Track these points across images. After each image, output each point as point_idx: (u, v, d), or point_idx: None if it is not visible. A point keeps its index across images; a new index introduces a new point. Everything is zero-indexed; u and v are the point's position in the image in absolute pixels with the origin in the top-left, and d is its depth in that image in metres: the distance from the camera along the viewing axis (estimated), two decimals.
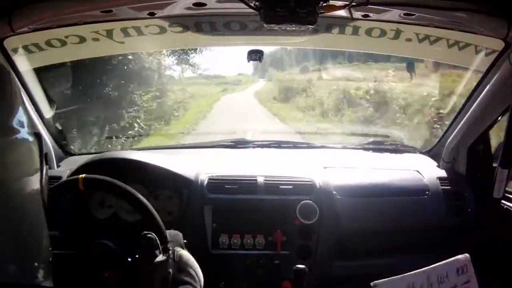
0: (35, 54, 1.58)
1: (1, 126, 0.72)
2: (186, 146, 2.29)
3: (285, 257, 1.61)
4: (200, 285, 1.12)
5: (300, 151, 2.13)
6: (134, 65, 5.14)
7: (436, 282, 1.16)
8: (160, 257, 1.06)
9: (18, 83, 0.76)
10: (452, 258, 1.19)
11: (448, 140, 1.84)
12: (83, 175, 1.18)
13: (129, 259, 1.18)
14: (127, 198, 1.17)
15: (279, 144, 2.14)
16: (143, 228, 1.14)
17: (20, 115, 0.77)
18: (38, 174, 0.80)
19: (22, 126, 0.77)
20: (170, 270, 1.05)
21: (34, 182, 0.78)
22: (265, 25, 1.17)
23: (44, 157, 0.83)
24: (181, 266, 1.09)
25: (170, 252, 1.08)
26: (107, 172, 1.23)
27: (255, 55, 1.64)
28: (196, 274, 1.11)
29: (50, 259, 0.83)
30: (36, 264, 0.78)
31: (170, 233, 1.15)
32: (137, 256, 1.14)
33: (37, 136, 0.81)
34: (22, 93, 1.17)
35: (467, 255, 1.19)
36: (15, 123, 0.75)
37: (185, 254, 1.13)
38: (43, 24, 1.34)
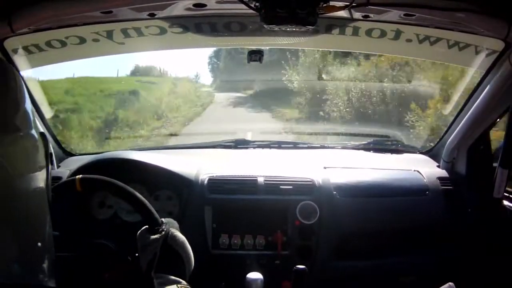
0: (35, 54, 1.59)
1: (8, 122, 0.72)
2: (186, 146, 2.28)
3: (285, 257, 1.61)
4: (189, 269, 1.12)
5: (300, 151, 2.13)
6: None
7: None
8: (153, 236, 1.06)
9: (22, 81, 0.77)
10: None
11: (449, 140, 1.83)
12: (80, 176, 1.18)
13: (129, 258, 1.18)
14: (124, 195, 1.16)
15: (279, 144, 2.14)
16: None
17: (26, 112, 0.77)
18: (44, 172, 0.79)
19: (29, 123, 0.77)
20: (157, 251, 1.04)
21: (40, 181, 0.78)
22: (265, 26, 1.17)
23: (50, 157, 0.83)
24: (172, 247, 1.09)
25: (164, 232, 1.07)
26: (107, 173, 1.23)
27: (255, 56, 1.64)
28: (186, 257, 1.11)
29: (54, 258, 0.83)
30: (40, 263, 0.78)
31: (167, 219, 1.15)
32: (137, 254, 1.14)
33: (42, 135, 0.81)
34: None
35: (451, 283, 1.19)
36: (21, 120, 0.75)
37: (180, 235, 1.12)
38: (43, 25, 1.33)
